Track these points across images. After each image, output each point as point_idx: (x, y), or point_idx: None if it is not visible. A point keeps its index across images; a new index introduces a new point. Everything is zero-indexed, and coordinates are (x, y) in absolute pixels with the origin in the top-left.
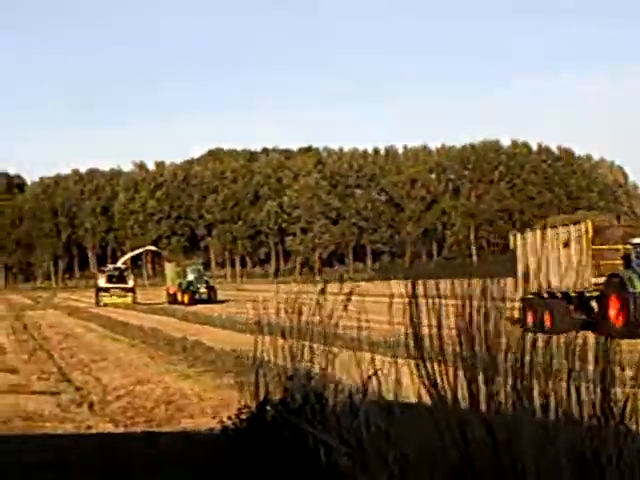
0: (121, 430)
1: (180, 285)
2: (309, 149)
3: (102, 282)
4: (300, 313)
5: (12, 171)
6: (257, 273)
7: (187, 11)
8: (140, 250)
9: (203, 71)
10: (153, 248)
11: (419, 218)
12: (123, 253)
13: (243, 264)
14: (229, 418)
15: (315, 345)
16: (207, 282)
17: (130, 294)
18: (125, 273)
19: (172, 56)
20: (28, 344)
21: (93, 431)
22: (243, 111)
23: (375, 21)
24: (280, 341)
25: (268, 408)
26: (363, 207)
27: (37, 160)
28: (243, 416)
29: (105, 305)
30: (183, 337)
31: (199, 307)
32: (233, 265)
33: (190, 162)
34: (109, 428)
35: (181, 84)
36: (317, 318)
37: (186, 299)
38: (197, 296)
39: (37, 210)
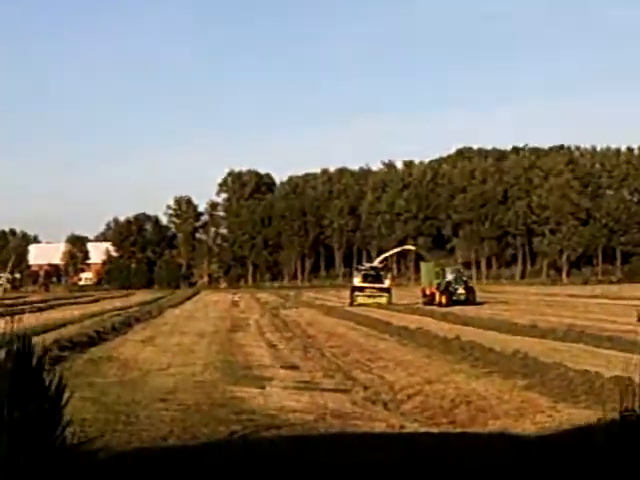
0: (435, 430)
1: (439, 285)
2: (561, 148)
3: (357, 281)
4: None
5: (262, 170)
6: (503, 274)
7: None
8: (398, 249)
9: (456, 67)
10: (412, 248)
11: None
12: (369, 253)
13: (489, 265)
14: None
15: None
16: (466, 283)
17: (385, 294)
18: (381, 272)
19: (420, 48)
20: (295, 341)
21: (406, 431)
22: (491, 110)
23: None
24: None
25: None
26: (614, 208)
27: (286, 159)
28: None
29: (360, 305)
30: (456, 337)
31: (455, 308)
32: (479, 266)
33: (438, 161)
34: (415, 427)
35: (431, 80)
36: None
37: (444, 300)
38: (455, 297)
39: (286, 209)
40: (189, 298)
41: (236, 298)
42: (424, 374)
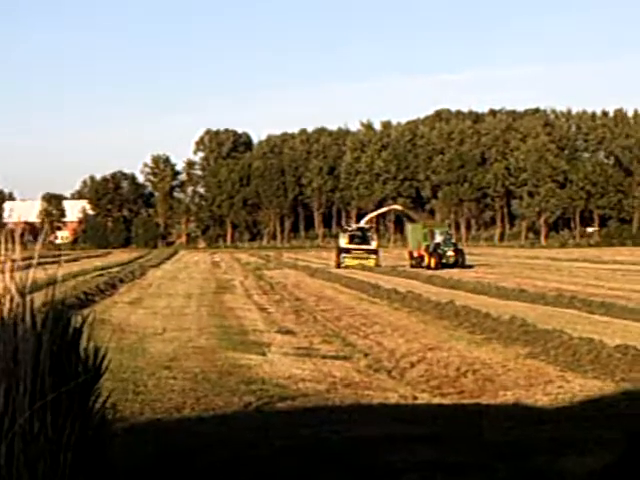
0: (447, 401)
1: (427, 247)
2: (537, 111)
3: (344, 242)
4: None
5: (239, 129)
6: (482, 236)
7: None
8: (385, 209)
9: (427, 32)
10: (400, 207)
11: None
12: (348, 214)
13: (468, 227)
14: None
15: None
16: (455, 245)
17: (373, 256)
18: (369, 233)
19: (402, 13)
20: (284, 304)
21: (419, 402)
22: (467, 72)
23: None
24: None
25: None
26: (591, 171)
27: (264, 118)
28: None
29: (346, 267)
30: (450, 301)
31: (440, 271)
32: (458, 228)
33: (416, 122)
34: (427, 398)
35: (407, 43)
36: None
37: (433, 262)
38: (444, 260)
39: (265, 169)
40: (168, 258)
41: (217, 258)
42: (423, 340)
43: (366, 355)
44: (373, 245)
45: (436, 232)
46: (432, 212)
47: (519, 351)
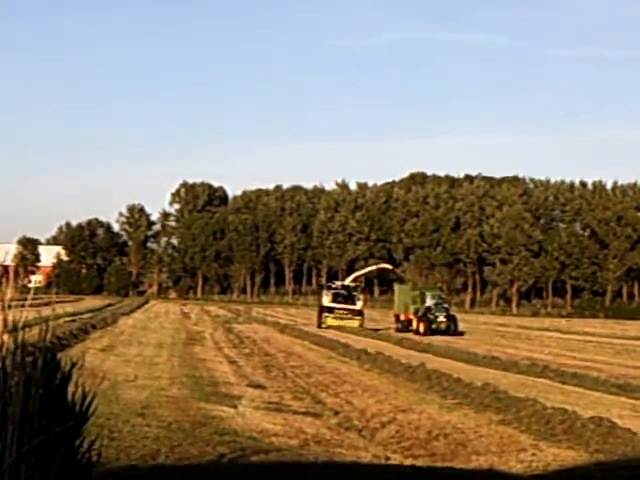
0: (420, 463)
1: (416, 311)
2: (515, 179)
3: (327, 300)
4: None
5: (215, 183)
6: (452, 302)
7: None
8: (372, 268)
9: (410, 98)
10: (389, 267)
11: (622, 257)
12: (319, 272)
13: None
14: None
15: None
16: (447, 310)
17: (358, 317)
18: (354, 292)
19: (382, 77)
20: (254, 359)
21: (392, 462)
22: (444, 136)
23: None
24: None
25: None
26: (566, 242)
27: (240, 173)
28: None
29: (328, 327)
30: (420, 364)
31: (409, 335)
32: None
33: (391, 185)
34: (399, 459)
35: (385, 109)
36: None
37: (422, 327)
38: (434, 326)
39: (239, 224)
40: (139, 307)
41: (186, 310)
42: (393, 402)
43: (336, 413)
44: (358, 305)
45: (427, 295)
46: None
47: (491, 417)
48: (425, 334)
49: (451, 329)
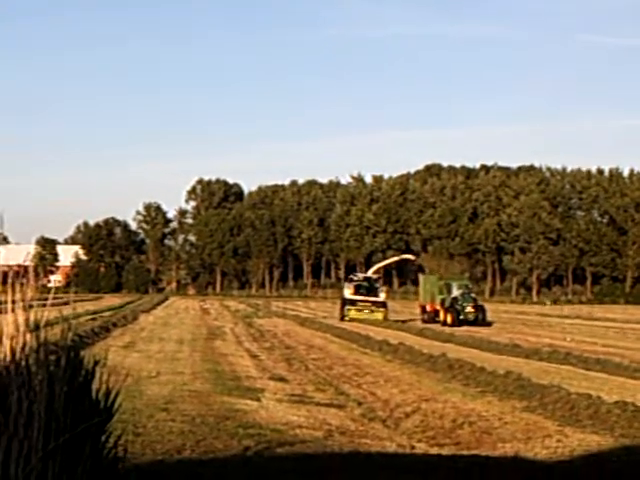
0: (445, 452)
1: (443, 302)
2: (531, 168)
3: (349, 293)
4: None
5: (231, 179)
6: (472, 291)
7: None
8: (395, 259)
9: (427, 87)
10: (411, 257)
11: None
12: (337, 265)
13: None
14: None
15: None
16: (475, 300)
17: (381, 309)
18: (376, 284)
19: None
20: (275, 352)
21: (417, 452)
22: (459, 127)
23: None
24: None
25: None
26: (584, 229)
27: (256, 169)
28: None
29: (351, 320)
30: (442, 354)
31: (431, 325)
32: None
33: (407, 177)
34: (424, 448)
35: (400, 101)
36: None
37: (449, 318)
38: (462, 316)
39: (256, 219)
40: (159, 304)
41: (206, 305)
42: (417, 391)
43: (360, 404)
44: (382, 297)
45: (453, 285)
46: (420, 267)
47: (515, 405)
48: (453, 325)
49: (479, 319)
